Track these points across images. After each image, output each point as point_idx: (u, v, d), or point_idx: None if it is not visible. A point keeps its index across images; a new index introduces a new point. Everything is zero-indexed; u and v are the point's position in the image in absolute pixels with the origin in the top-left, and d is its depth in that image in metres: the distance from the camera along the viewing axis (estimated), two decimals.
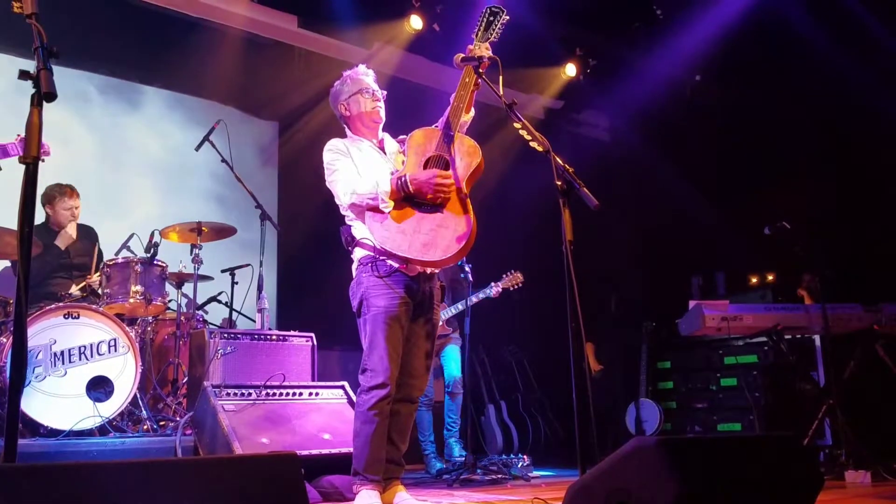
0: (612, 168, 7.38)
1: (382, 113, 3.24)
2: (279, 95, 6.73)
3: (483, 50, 2.92)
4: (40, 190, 4.77)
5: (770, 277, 6.17)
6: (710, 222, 6.49)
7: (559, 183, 2.43)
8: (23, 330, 1.62)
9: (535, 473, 4.62)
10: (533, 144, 2.55)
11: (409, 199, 2.95)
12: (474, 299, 4.92)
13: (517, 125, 2.61)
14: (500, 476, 4.41)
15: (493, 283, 5.03)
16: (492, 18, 2.97)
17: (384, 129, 3.30)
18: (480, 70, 2.83)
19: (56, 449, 3.59)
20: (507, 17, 2.97)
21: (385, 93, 3.28)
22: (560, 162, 2.46)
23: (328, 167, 3.14)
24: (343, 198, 3.06)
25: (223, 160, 5.00)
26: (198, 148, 5.01)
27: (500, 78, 2.70)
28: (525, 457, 4.69)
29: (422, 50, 5.53)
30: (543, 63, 6.59)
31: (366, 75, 3.29)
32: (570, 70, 6.75)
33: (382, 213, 2.94)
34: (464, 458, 4.66)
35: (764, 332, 4.81)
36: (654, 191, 7.11)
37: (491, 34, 2.95)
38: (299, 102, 6.68)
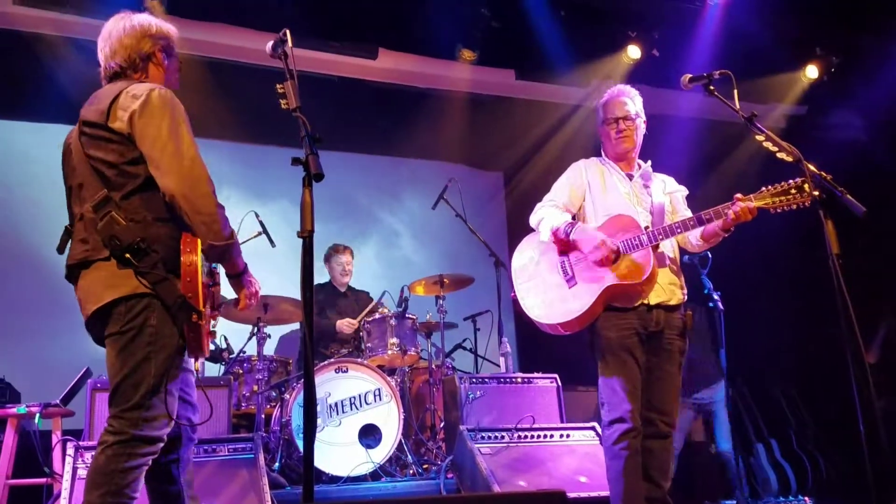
0: (876, 169, 6.54)
1: (627, 143, 3.10)
2: (502, 147, 7.01)
3: None
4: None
5: None
6: None
7: (817, 192, 2.22)
8: (312, 384, 1.83)
9: None
10: (780, 155, 2.37)
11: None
12: None
13: (760, 137, 2.44)
14: None
15: None
16: None
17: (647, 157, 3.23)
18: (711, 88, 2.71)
19: (338, 495, 3.93)
20: None
21: (635, 115, 3.12)
22: (814, 170, 2.26)
23: None
24: (532, 217, 3.15)
25: (457, 215, 5.27)
26: (434, 206, 5.36)
27: (735, 92, 2.56)
28: (806, 499, 4.21)
29: (642, 78, 5.39)
30: (779, 69, 6.12)
31: (616, 98, 3.16)
32: (812, 72, 6.20)
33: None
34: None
35: None
36: None
37: None
38: (522, 151, 6.91)
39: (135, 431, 2.06)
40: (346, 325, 5.12)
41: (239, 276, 2.31)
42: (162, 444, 2.14)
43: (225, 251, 2.16)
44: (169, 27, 2.47)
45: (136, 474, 2.07)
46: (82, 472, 3.17)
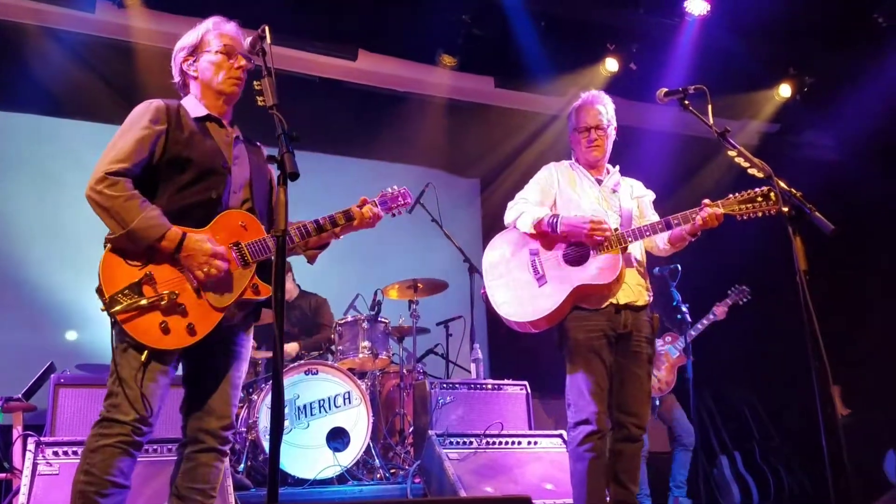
0: (845, 189, 6.69)
1: (597, 152, 3.14)
2: (480, 153, 7.03)
3: None
4: None
5: None
6: None
7: (786, 209, 2.26)
8: (280, 385, 1.81)
9: None
10: (752, 171, 2.41)
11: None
12: (699, 327, 4.83)
13: (732, 153, 2.48)
14: None
15: (716, 304, 4.95)
16: None
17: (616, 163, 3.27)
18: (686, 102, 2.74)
19: (303, 498, 3.90)
20: None
21: (607, 124, 3.16)
22: (785, 186, 2.30)
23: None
24: (507, 214, 3.15)
25: (433, 219, 5.27)
26: (410, 210, 5.34)
27: (710, 107, 2.59)
28: None
29: (619, 91, 5.44)
30: (753, 87, 6.24)
31: (589, 105, 3.18)
32: (785, 91, 6.32)
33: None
34: None
35: None
36: None
37: None
38: (499, 158, 6.94)
39: (106, 413, 2.20)
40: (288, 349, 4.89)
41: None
42: (134, 431, 2.18)
43: (128, 241, 2.19)
44: (200, 27, 2.49)
45: (108, 454, 2.15)
46: (43, 468, 3.12)
